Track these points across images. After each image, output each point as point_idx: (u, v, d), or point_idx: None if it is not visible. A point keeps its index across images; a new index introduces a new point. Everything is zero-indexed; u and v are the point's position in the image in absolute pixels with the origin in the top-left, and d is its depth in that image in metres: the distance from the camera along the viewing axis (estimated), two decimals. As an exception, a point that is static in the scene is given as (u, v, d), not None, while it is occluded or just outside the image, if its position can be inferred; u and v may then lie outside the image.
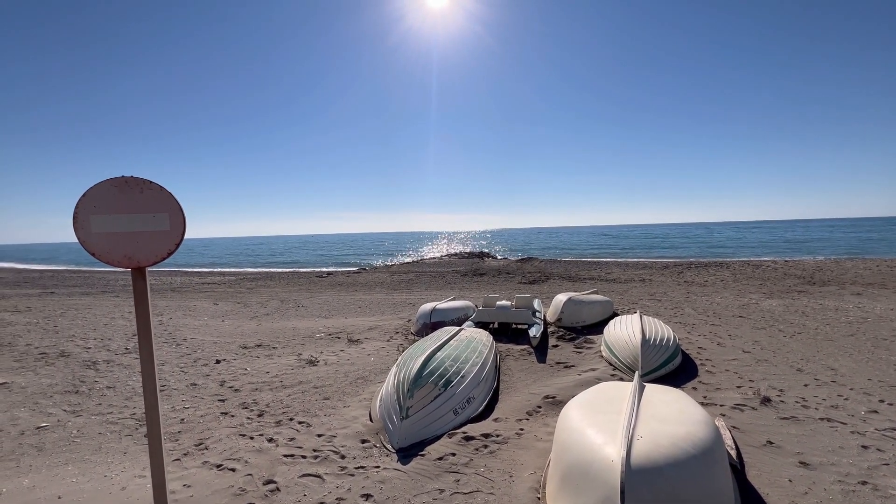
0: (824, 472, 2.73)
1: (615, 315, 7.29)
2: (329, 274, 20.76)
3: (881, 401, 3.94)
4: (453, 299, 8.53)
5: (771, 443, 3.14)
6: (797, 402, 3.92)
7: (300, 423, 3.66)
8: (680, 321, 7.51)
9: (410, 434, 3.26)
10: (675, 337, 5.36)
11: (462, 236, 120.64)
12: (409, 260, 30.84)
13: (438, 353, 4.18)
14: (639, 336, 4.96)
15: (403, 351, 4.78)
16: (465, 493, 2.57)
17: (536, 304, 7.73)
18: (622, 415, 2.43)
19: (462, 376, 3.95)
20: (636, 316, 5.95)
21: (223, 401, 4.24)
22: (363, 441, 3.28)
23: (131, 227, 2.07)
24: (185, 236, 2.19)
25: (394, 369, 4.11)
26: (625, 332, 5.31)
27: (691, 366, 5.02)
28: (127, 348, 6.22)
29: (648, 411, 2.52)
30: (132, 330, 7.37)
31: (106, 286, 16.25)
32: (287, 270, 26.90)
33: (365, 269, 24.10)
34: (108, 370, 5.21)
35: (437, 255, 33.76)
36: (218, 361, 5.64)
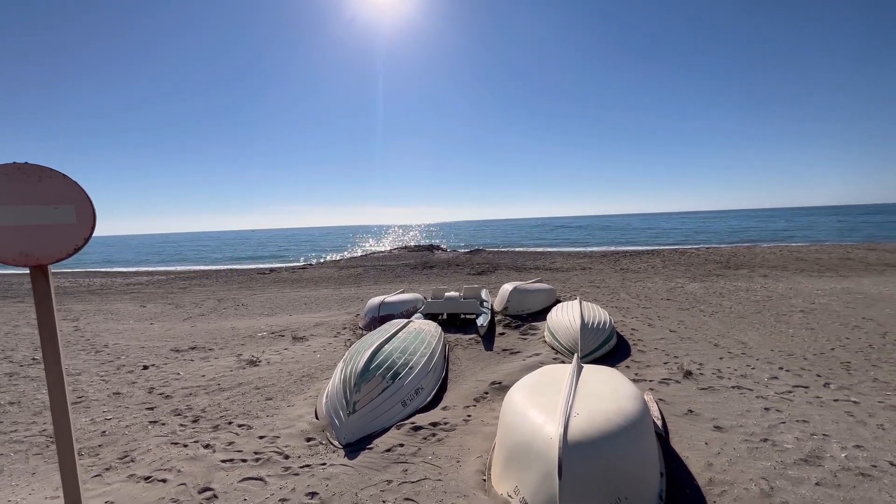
0: (734, 434, 3.06)
1: (558, 302, 7.64)
2: (272, 270, 19.81)
3: (780, 368, 4.49)
4: (402, 292, 8.50)
5: (691, 411, 3.47)
6: (713, 373, 4.35)
7: (240, 426, 3.49)
8: (616, 305, 8.03)
9: (358, 428, 3.22)
10: (611, 320, 5.72)
11: (412, 229, 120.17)
12: (357, 254, 30.18)
13: (386, 346, 4.15)
14: (578, 321, 5.24)
15: (351, 346, 4.69)
16: (412, 482, 2.59)
17: (484, 294, 7.90)
18: (561, 395, 2.56)
19: (410, 368, 3.96)
20: (576, 302, 6.28)
21: (152, 409, 3.93)
22: (308, 439, 3.19)
23: (27, 220, 1.84)
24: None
25: (340, 365, 4.03)
26: (566, 317, 5.59)
27: (625, 346, 5.40)
28: (35, 359, 5.56)
29: (585, 390, 2.68)
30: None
31: (8, 290, 14.37)
32: (225, 268, 25.30)
33: (311, 264, 23.28)
34: (12, 384, 4.63)
35: (387, 248, 33.40)
36: (146, 367, 5.20)
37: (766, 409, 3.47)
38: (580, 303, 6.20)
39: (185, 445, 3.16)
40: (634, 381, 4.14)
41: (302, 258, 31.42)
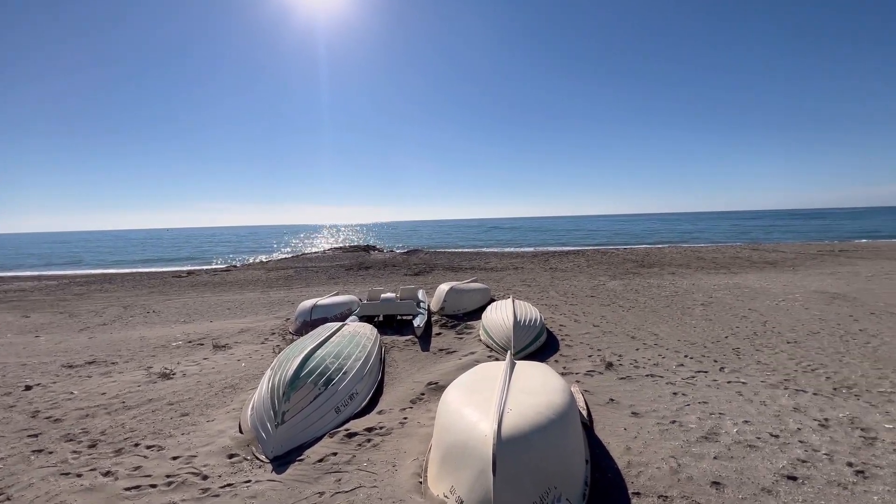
0: (648, 418, 3.35)
1: (492, 301, 7.86)
2: (190, 273, 18.11)
3: (685, 356, 5.01)
4: (336, 294, 8.22)
5: (612, 400, 3.74)
6: (631, 363, 4.75)
7: (149, 447, 3.13)
8: (546, 303, 8.45)
9: (287, 440, 3.04)
10: (541, 317, 6.01)
11: (347, 229, 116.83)
12: (287, 255, 28.65)
13: (319, 351, 3.98)
14: (512, 319, 5.43)
15: (280, 353, 4.43)
16: (346, 492, 2.50)
17: (421, 294, 7.90)
18: (495, 392, 2.62)
19: (345, 372, 3.83)
20: (510, 301, 6.51)
21: (36, 435, 3.39)
22: (231, 456, 2.95)
23: None
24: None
25: (268, 373, 3.78)
26: (500, 316, 5.77)
27: (554, 341, 5.69)
28: None
29: (518, 386, 2.78)
30: None
31: None
32: (132, 271, 22.65)
33: (235, 266, 21.66)
34: None
35: (320, 248, 32.11)
36: (28, 387, 4.48)
37: (675, 393, 3.85)
38: (513, 301, 6.43)
39: (79, 475, 2.76)
40: (563, 374, 4.39)
41: (225, 259, 29.11)
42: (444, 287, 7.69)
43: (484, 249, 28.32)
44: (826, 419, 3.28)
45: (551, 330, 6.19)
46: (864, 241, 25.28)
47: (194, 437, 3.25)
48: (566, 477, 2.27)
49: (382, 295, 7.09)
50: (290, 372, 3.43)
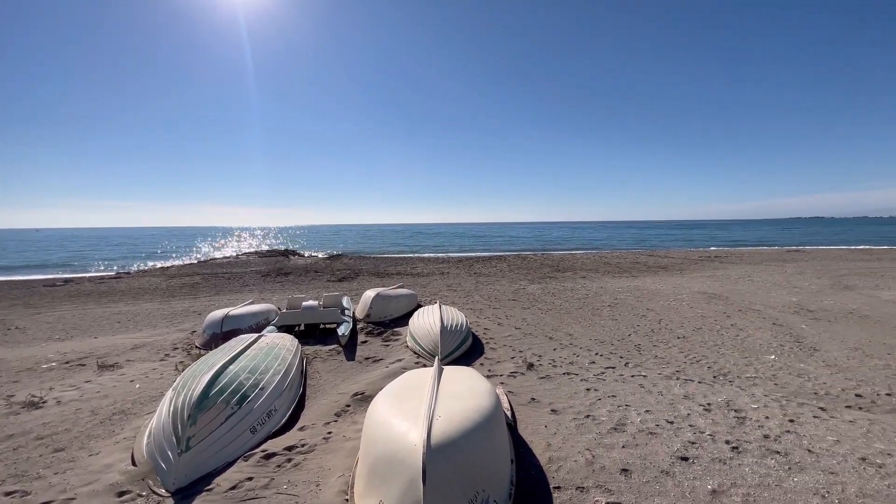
0: (565, 414, 3.58)
1: (419, 307, 7.87)
2: (67, 281, 15.53)
3: (596, 353, 5.46)
4: (251, 303, 7.63)
5: (534, 399, 3.94)
6: (549, 363, 5.04)
7: (8, 494, 2.59)
8: (471, 307, 8.67)
9: (193, 468, 2.72)
10: (467, 322, 6.14)
11: (263, 232, 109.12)
12: (194, 260, 25.90)
13: (231, 366, 3.65)
14: (439, 324, 5.48)
15: (184, 370, 3.97)
16: (264, 519, 2.30)
17: (346, 301, 7.64)
18: (424, 399, 2.61)
19: (262, 388, 3.55)
20: (436, 306, 6.56)
21: None
22: (121, 494, 2.56)
23: None
24: None
25: (170, 394, 3.36)
26: (427, 321, 5.78)
27: (479, 345, 5.85)
28: None
29: (447, 391, 2.79)
30: None
31: None
32: (-12, 279, 18.80)
33: (128, 272, 19.05)
34: None
35: (232, 253, 29.56)
36: None
37: (588, 389, 4.17)
38: (440, 306, 6.50)
39: None
40: (488, 376, 4.52)
41: (114, 265, 25.38)
42: (369, 293, 7.53)
43: (410, 255, 28.30)
44: (709, 404, 3.77)
45: (476, 334, 6.35)
46: (734, 248, 29.84)
47: (72, 477, 2.77)
48: (493, 478, 2.33)
49: (304, 303, 6.72)
50: (198, 391, 3.09)
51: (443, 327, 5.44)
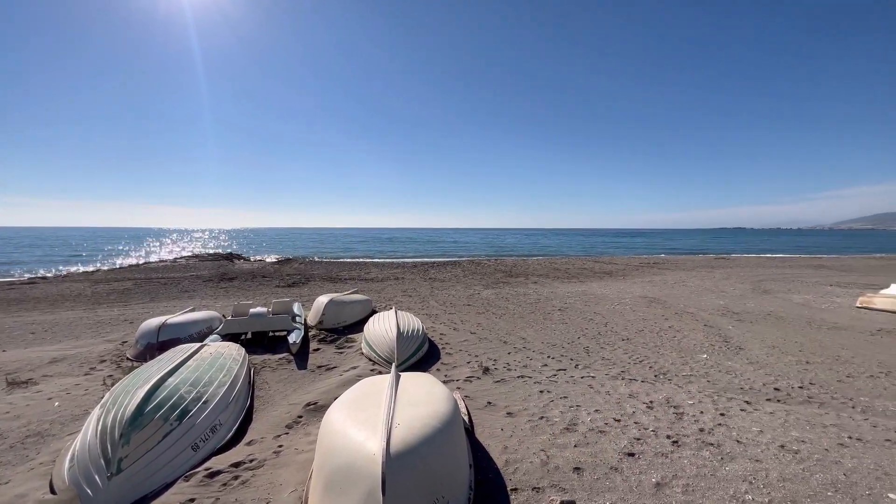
0: (521, 417, 3.67)
1: (374, 312, 7.74)
2: (-32, 287, 13.66)
3: (548, 356, 5.64)
4: (192, 310, 7.12)
5: (490, 403, 3.99)
6: (504, 367, 5.14)
7: None
8: (427, 313, 8.65)
9: (125, 493, 2.48)
10: (423, 327, 6.13)
11: (206, 235, 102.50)
12: (125, 263, 23.75)
13: (170, 379, 3.38)
14: (395, 330, 5.42)
15: (115, 385, 3.63)
16: (208, 543, 2.14)
17: (297, 307, 7.35)
18: (382, 407, 2.56)
19: (205, 402, 3.32)
20: (392, 312, 6.49)
21: None
22: (37, 526, 2.28)
23: None
24: None
25: (97, 412, 3.05)
26: (383, 327, 5.70)
27: (436, 350, 5.85)
28: None
29: (404, 398, 2.76)
30: None
31: None
32: None
33: (45, 277, 17.11)
34: None
35: (170, 256, 27.49)
36: None
37: (541, 391, 4.29)
38: (396, 312, 6.43)
39: None
40: (445, 382, 4.52)
41: (27, 269, 22.66)
42: (322, 299, 7.29)
43: (364, 259, 27.79)
44: (651, 402, 4.02)
45: (432, 339, 6.35)
46: (670, 255, 32.13)
47: (-25, 510, 2.43)
48: (452, 484, 2.33)
49: (251, 310, 6.38)
50: (132, 407, 2.83)
51: (399, 333, 5.39)
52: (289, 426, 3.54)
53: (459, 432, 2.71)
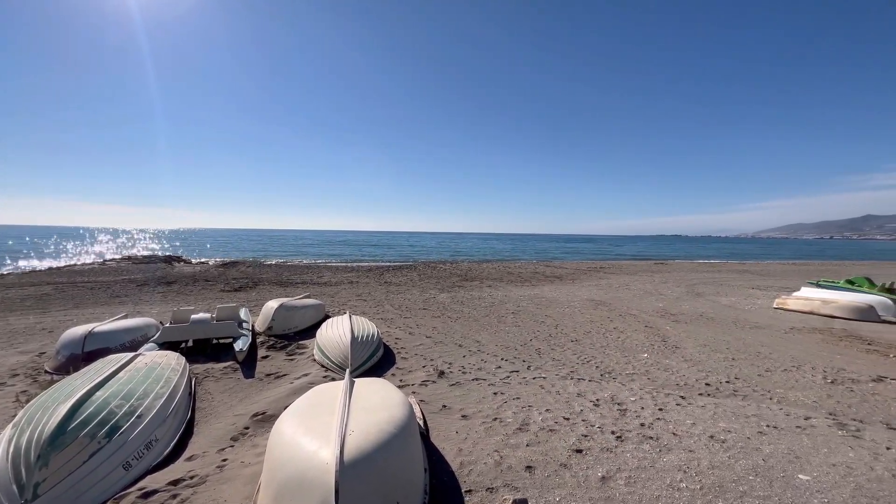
0: (475, 419, 3.72)
1: (327, 317, 7.53)
2: None
3: (502, 359, 5.77)
4: (124, 317, 6.58)
5: (445, 406, 4.02)
6: (459, 370, 5.19)
7: None
8: (382, 317, 8.55)
9: (42, 521, 2.24)
10: (378, 332, 6.05)
11: (143, 235, 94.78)
12: (43, 266, 21.39)
13: (98, 393, 3.11)
14: (349, 335, 5.31)
15: (31, 401, 3.27)
16: (141, 569, 1.99)
17: (243, 313, 7.00)
18: (335, 414, 2.51)
19: (139, 416, 3.08)
20: (346, 316, 6.36)
21: None
22: (-69, 565, 2.00)
23: None
24: None
25: (9, 431, 2.74)
26: (336, 332, 5.57)
27: (391, 355, 5.79)
28: None
29: (359, 404, 2.72)
30: None
31: None
32: None
33: (-58, 281, 15.01)
34: None
35: (98, 259, 25.15)
36: None
37: (495, 393, 4.38)
38: (349, 317, 6.31)
39: None
40: (400, 386, 4.50)
41: (-80, 272, 19.74)
42: (272, 304, 7.00)
43: (317, 262, 26.95)
44: (598, 400, 4.23)
45: (387, 344, 6.28)
46: (615, 261, 33.96)
47: None
48: (407, 489, 2.32)
49: (193, 315, 5.99)
50: (52, 425, 2.57)
51: (353, 338, 5.29)
52: (234, 438, 3.36)
53: (415, 437, 2.71)
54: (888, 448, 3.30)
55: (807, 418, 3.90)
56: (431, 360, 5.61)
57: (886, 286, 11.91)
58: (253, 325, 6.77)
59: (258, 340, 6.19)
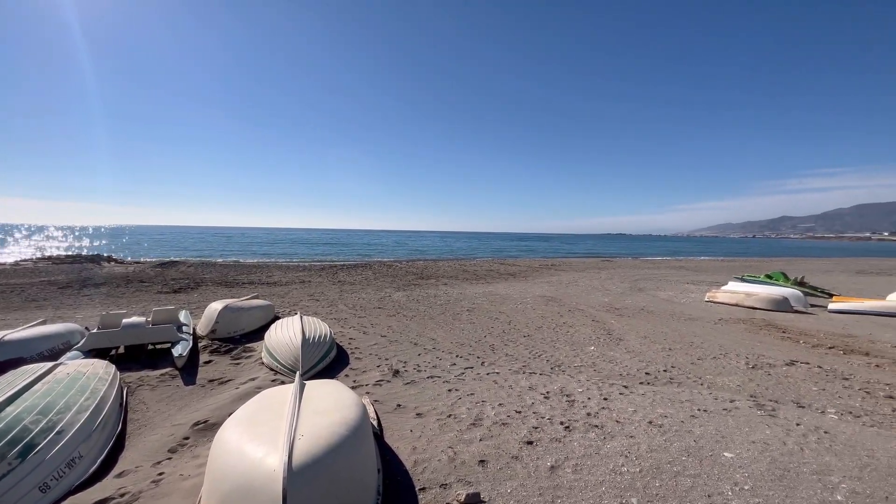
0: (430, 417, 3.73)
1: (276, 319, 7.24)
2: None
3: (457, 356, 5.83)
4: (42, 323, 5.95)
5: (400, 405, 3.99)
6: (414, 368, 5.18)
7: None
8: (335, 317, 8.34)
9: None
10: (330, 332, 5.90)
11: (67, 233, 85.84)
12: (-60, 268, 18.73)
13: (8, 409, 2.81)
14: (300, 337, 5.14)
15: (-79, 421, 2.87)
16: None
17: (183, 316, 6.57)
18: (284, 419, 2.42)
19: (59, 432, 2.80)
20: (297, 317, 6.15)
21: None
22: None
23: None
24: None
25: None
26: (286, 334, 5.36)
27: (344, 355, 5.67)
28: None
29: (309, 407, 2.64)
30: None
31: None
32: None
33: None
34: None
35: (11, 259, 22.49)
36: None
37: (449, 390, 4.42)
38: (300, 317, 6.11)
39: None
40: (354, 387, 4.42)
41: None
42: (216, 305, 6.61)
43: (265, 261, 25.77)
44: (548, 392, 4.39)
45: (341, 344, 6.14)
46: (565, 258, 35.33)
47: None
48: (360, 491, 2.28)
49: (125, 320, 5.53)
50: (-51, 448, 2.27)
51: (304, 339, 5.12)
52: (172, 450, 3.14)
53: (368, 438, 2.67)
54: (798, 424, 3.70)
55: (732, 401, 4.28)
56: (386, 359, 5.56)
57: (798, 280, 13.34)
58: (194, 329, 6.36)
59: (200, 345, 5.83)
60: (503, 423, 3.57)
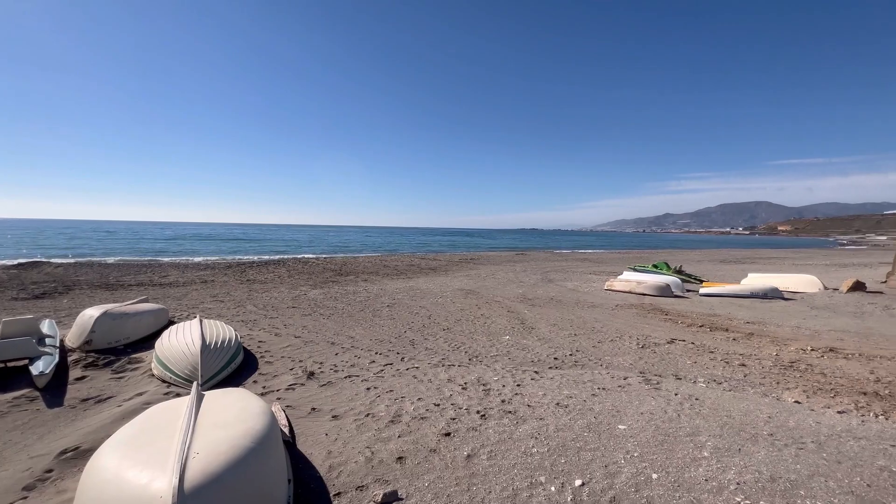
0: (346, 418, 3.61)
1: (171, 324, 6.46)
2: None
3: (376, 353, 5.73)
4: None
5: (314, 409, 3.81)
6: (331, 369, 4.99)
7: None
8: (242, 319, 7.69)
9: None
10: (236, 336, 5.42)
11: None
12: None
13: None
14: (198, 342, 4.64)
15: None
16: None
17: (47, 326, 5.56)
18: (175, 437, 2.15)
19: None
20: (196, 321, 5.56)
21: None
22: None
23: None
24: None
25: None
26: (182, 341, 4.80)
27: (253, 360, 5.25)
28: None
29: (209, 420, 2.39)
30: None
31: None
32: None
33: None
34: None
35: None
36: None
37: (368, 388, 4.32)
38: (200, 321, 5.53)
39: None
40: (262, 394, 4.11)
41: None
42: (91, 312, 5.68)
43: (160, 259, 22.85)
44: (466, 383, 4.51)
45: (248, 348, 5.68)
46: (484, 252, 36.67)
47: None
48: (267, 506, 2.12)
49: (-38, 334, 4.51)
50: None
51: (204, 345, 4.63)
52: (29, 487, 2.63)
53: (276, 448, 2.49)
54: (676, 394, 4.26)
55: (625, 378, 4.79)
56: (300, 361, 5.26)
57: (677, 269, 15.42)
58: (62, 341, 5.42)
59: (71, 359, 4.97)
60: (422, 418, 3.59)
